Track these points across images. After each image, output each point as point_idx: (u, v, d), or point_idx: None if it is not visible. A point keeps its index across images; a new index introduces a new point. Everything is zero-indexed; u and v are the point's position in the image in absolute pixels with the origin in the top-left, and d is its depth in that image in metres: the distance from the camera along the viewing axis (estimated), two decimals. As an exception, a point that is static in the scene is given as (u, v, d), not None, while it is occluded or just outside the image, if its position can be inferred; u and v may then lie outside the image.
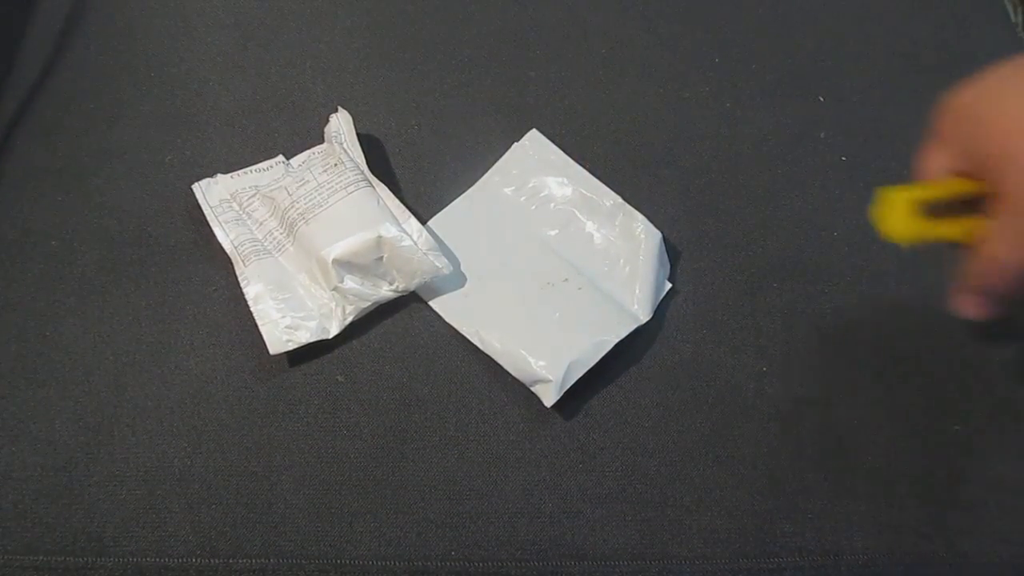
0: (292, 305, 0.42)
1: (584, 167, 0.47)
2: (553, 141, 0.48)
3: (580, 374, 0.41)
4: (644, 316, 0.43)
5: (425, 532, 0.39)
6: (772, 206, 0.49)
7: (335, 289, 0.42)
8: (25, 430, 0.40)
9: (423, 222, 0.46)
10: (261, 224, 0.45)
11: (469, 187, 0.47)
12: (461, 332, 0.43)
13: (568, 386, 0.40)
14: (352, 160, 0.45)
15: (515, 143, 0.48)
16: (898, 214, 0.33)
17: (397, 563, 0.38)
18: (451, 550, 0.39)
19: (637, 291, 0.44)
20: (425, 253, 0.43)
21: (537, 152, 0.48)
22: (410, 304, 0.44)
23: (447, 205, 0.47)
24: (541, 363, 0.41)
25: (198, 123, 0.50)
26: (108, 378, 0.42)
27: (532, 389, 0.41)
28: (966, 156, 0.32)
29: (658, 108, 0.51)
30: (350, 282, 0.42)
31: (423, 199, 0.47)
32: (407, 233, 0.43)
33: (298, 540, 0.39)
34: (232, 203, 0.46)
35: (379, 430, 0.41)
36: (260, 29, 0.54)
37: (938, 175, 0.34)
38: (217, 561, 0.38)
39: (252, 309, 0.43)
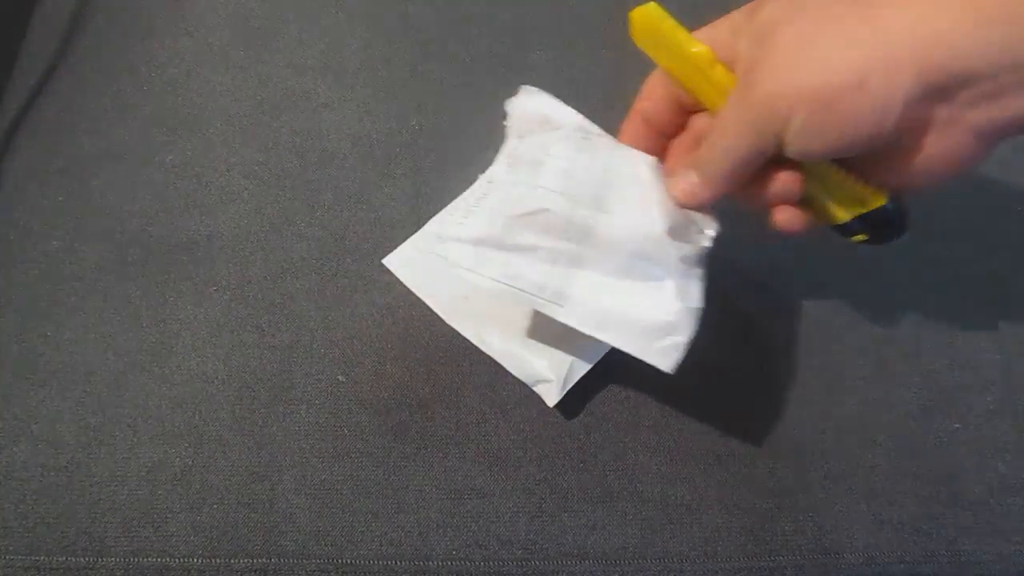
0: (644, 308, 0.35)
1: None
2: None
3: (582, 373, 0.41)
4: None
5: (426, 532, 0.39)
6: (772, 206, 0.49)
7: (683, 259, 0.35)
8: (26, 430, 0.40)
9: (422, 223, 0.46)
10: (537, 251, 0.35)
11: (468, 187, 0.47)
12: (462, 333, 0.43)
13: (571, 385, 0.40)
14: (577, 121, 0.37)
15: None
16: (650, 20, 0.35)
17: (398, 563, 0.38)
18: (452, 549, 0.39)
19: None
20: None
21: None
22: (411, 304, 0.44)
23: (446, 205, 0.47)
24: (543, 363, 0.41)
25: (198, 123, 0.50)
26: (108, 378, 0.42)
27: (534, 389, 0.41)
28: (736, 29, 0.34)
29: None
30: (695, 238, 0.35)
31: (423, 199, 0.47)
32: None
33: (299, 540, 0.39)
34: (486, 250, 0.35)
35: (380, 430, 0.41)
36: (260, 29, 0.54)
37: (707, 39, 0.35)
38: (218, 561, 0.38)
39: (614, 343, 0.35)
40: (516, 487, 0.40)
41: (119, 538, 0.38)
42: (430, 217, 0.46)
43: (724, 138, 0.33)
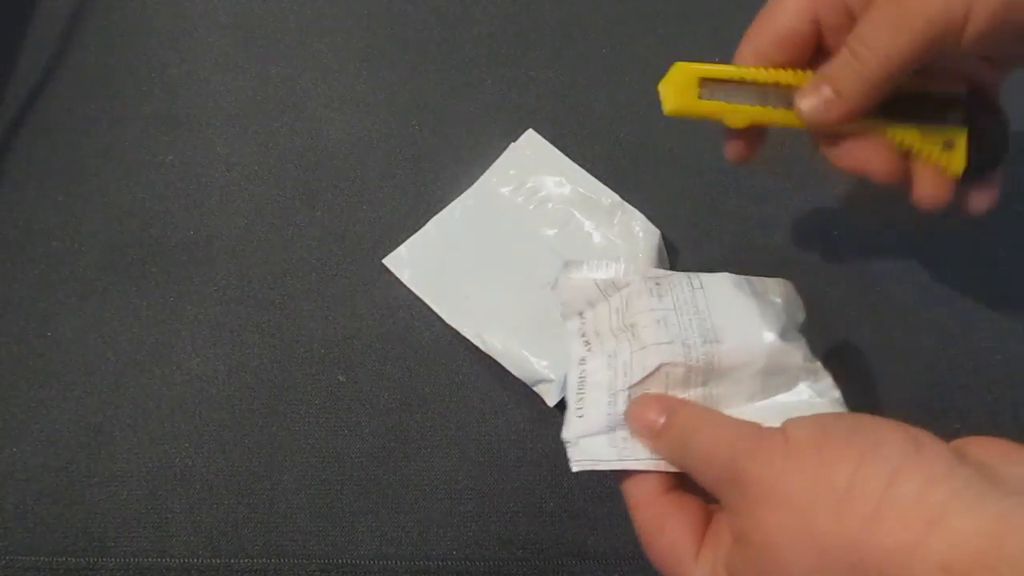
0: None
1: (584, 167, 0.47)
2: (553, 141, 0.48)
3: (581, 373, 0.41)
4: (645, 315, 0.43)
5: (426, 531, 0.39)
6: (772, 205, 0.49)
7: (804, 357, 0.33)
8: (26, 430, 0.40)
9: (422, 223, 0.46)
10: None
11: (468, 188, 0.47)
12: (462, 333, 0.43)
13: (570, 385, 0.40)
14: (641, 272, 0.35)
15: (511, 144, 0.48)
16: (677, 85, 0.35)
17: (398, 562, 0.39)
18: (452, 549, 0.39)
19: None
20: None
21: (534, 152, 0.48)
22: (411, 304, 0.44)
23: (446, 206, 0.47)
24: (543, 363, 0.41)
25: (198, 123, 0.50)
26: (109, 378, 0.42)
27: (534, 389, 0.41)
28: None
29: (658, 108, 0.51)
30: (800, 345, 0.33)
31: (423, 199, 0.47)
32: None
33: (299, 540, 0.39)
34: (620, 435, 0.32)
35: (380, 430, 0.41)
36: (260, 29, 0.54)
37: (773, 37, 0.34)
38: (218, 561, 0.38)
39: None
40: (516, 486, 0.40)
41: (119, 538, 0.38)
42: (430, 217, 0.46)
43: (875, 51, 0.31)
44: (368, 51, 0.53)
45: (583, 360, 0.35)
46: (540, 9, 0.55)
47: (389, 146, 0.49)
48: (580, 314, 0.36)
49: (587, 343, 0.35)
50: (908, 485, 0.23)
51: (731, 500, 0.27)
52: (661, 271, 0.35)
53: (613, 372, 0.33)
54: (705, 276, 0.35)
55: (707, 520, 0.29)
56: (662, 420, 0.30)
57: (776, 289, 0.35)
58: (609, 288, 0.35)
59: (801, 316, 0.35)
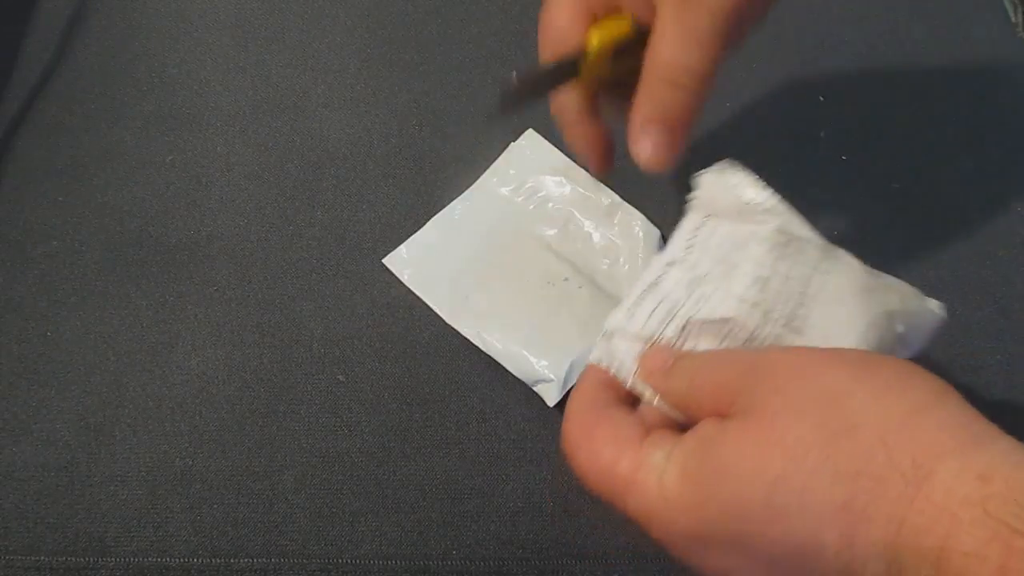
0: None
1: (584, 167, 0.47)
2: (553, 141, 0.48)
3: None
4: (644, 315, 0.43)
5: (426, 531, 0.39)
6: (772, 206, 0.49)
7: None
8: (26, 430, 0.40)
9: (422, 223, 0.46)
10: None
11: (468, 188, 0.47)
12: (462, 333, 0.43)
13: (571, 385, 0.40)
14: (782, 217, 0.33)
15: (511, 144, 0.48)
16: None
17: (398, 562, 0.39)
18: (452, 549, 0.39)
19: (637, 290, 0.44)
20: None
21: (534, 152, 0.48)
22: (411, 304, 0.44)
23: (446, 206, 0.47)
24: (543, 363, 0.41)
25: (198, 123, 0.50)
26: (109, 378, 0.42)
27: (534, 389, 0.41)
28: None
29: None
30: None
31: (423, 199, 0.47)
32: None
33: (299, 539, 0.39)
34: None
35: (380, 429, 0.41)
36: (260, 29, 0.54)
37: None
38: (218, 560, 0.38)
39: None
40: (516, 487, 0.40)
41: (119, 538, 0.38)
42: (430, 217, 0.46)
43: (694, 72, 0.31)
44: (368, 51, 0.53)
45: (671, 263, 0.34)
46: (540, 9, 0.55)
47: (389, 146, 0.49)
48: (705, 216, 0.34)
49: (690, 247, 0.34)
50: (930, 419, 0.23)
51: (745, 390, 0.26)
52: (803, 229, 0.33)
53: (688, 295, 0.32)
54: (841, 262, 0.32)
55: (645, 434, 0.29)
56: (671, 361, 0.30)
57: (896, 301, 0.31)
58: (745, 212, 0.33)
59: (904, 331, 0.31)
